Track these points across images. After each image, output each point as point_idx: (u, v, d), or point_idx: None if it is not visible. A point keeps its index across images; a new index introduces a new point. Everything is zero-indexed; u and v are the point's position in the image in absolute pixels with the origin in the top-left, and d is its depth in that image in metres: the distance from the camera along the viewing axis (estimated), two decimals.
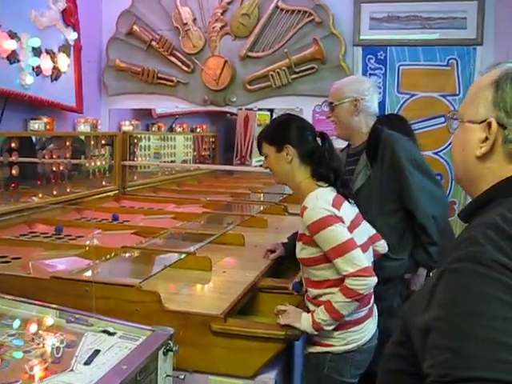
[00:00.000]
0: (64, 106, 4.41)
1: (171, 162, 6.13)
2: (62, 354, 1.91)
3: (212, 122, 7.14)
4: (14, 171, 3.80)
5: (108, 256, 3.05)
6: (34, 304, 2.27)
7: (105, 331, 2.11)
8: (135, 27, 4.87)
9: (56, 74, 4.24)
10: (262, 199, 5.45)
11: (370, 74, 4.56)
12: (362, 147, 2.85)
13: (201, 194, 5.32)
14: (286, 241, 3.14)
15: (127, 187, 5.06)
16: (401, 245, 2.85)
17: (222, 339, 2.31)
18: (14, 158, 3.77)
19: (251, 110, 6.90)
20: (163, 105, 5.20)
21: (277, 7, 4.61)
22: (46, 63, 4.08)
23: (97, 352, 1.93)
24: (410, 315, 1.14)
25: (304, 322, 2.22)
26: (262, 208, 4.66)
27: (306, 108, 4.75)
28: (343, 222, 2.20)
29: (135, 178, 5.28)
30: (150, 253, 3.21)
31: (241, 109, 6.93)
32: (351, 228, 2.23)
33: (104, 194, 4.78)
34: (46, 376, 1.74)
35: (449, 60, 4.47)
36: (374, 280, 2.16)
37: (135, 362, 1.81)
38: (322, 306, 2.19)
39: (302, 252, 2.29)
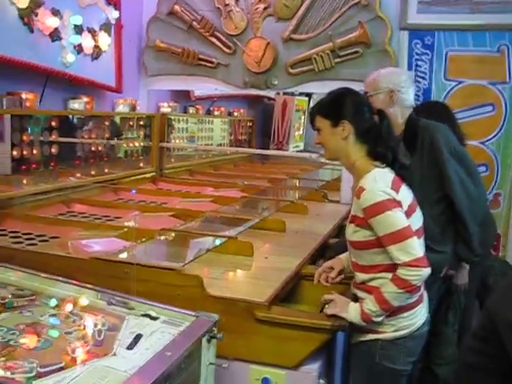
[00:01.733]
0: (104, 85, 4.37)
1: (207, 145, 6.08)
2: (104, 336, 1.88)
3: (249, 107, 7.11)
4: (53, 150, 3.79)
5: (147, 238, 3.02)
6: (73, 284, 2.25)
7: (146, 315, 2.07)
8: (176, 7, 4.79)
9: (97, 53, 4.20)
10: (300, 185, 5.38)
11: (416, 60, 4.40)
12: (399, 138, 2.74)
13: (238, 179, 5.29)
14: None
15: (164, 169, 5.04)
16: (444, 237, 2.77)
17: (265, 327, 2.26)
18: (54, 137, 3.76)
19: (290, 94, 6.86)
20: (203, 86, 5.14)
21: None
22: (87, 42, 4.04)
23: (139, 336, 1.89)
24: (500, 309, 1.06)
25: (352, 312, 2.15)
26: (301, 194, 4.59)
27: None
28: (401, 207, 2.11)
29: (172, 160, 5.26)
30: (190, 236, 3.16)
31: (279, 93, 6.89)
32: (408, 213, 2.15)
33: (141, 176, 4.77)
34: (89, 359, 1.70)
35: (499, 46, 4.28)
36: (428, 271, 2.07)
37: (179, 349, 1.76)
38: (372, 296, 2.12)
39: (355, 235, 2.21)
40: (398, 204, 2.11)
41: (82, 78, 4.04)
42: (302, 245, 3.22)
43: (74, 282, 2.26)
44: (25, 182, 3.61)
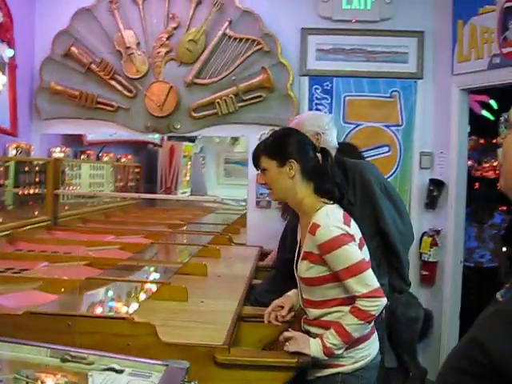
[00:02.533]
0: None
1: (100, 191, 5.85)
2: None
3: (134, 153, 6.94)
4: None
5: (71, 289, 2.79)
6: (11, 342, 2.00)
7: (110, 369, 1.89)
8: (73, 48, 4.60)
9: None
10: (201, 230, 5.30)
11: (317, 104, 4.60)
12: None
13: (133, 225, 5.13)
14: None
15: (59, 218, 4.75)
16: (380, 270, 2.84)
17: (228, 371, 2.17)
18: None
19: (176, 139, 6.82)
20: (101, 131, 4.93)
21: (224, 34, 4.54)
22: None
23: None
24: (495, 340, 1.09)
25: (314, 347, 2.12)
26: (207, 239, 4.51)
27: (252, 136, 4.68)
28: (355, 241, 2.15)
29: (66, 207, 4.97)
30: (119, 284, 2.98)
31: (163, 138, 6.85)
32: (360, 247, 2.19)
33: (36, 225, 4.44)
34: None
35: (392, 92, 4.60)
36: (385, 300, 2.12)
37: None
38: (332, 330, 2.10)
39: (308, 271, 2.20)
40: (352, 238, 2.15)
41: None
42: (230, 287, 3.17)
43: (12, 339, 2.02)
44: None
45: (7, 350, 1.97)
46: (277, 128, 4.45)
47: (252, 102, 4.57)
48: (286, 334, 2.25)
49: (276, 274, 3.26)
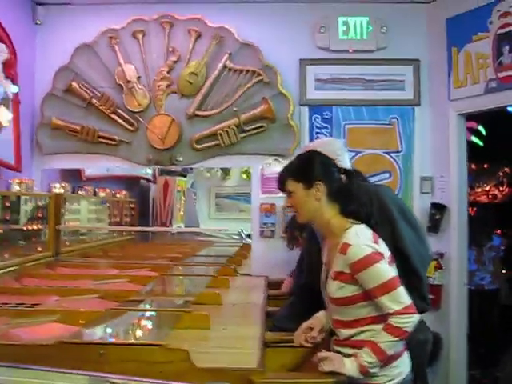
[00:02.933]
0: (4, 163, 4.04)
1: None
2: None
3: (128, 188, 6.95)
4: None
5: (91, 320, 2.75)
6: (44, 370, 1.97)
7: None
8: (74, 84, 4.62)
9: None
10: (205, 262, 5.27)
11: (317, 133, 4.66)
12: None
13: (136, 259, 5.07)
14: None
15: (60, 253, 4.70)
16: None
17: None
18: None
19: (174, 173, 6.87)
20: (103, 165, 4.94)
21: (225, 67, 4.61)
22: None
23: None
24: None
25: (349, 366, 2.12)
26: (213, 270, 4.49)
27: (255, 166, 4.73)
28: (384, 258, 2.17)
29: (67, 243, 4.93)
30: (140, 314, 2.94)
31: (155, 174, 6.89)
32: (389, 264, 2.21)
33: (39, 261, 4.39)
34: None
35: (391, 119, 4.70)
36: (418, 317, 2.14)
37: None
38: (366, 348, 2.10)
39: (340, 291, 2.20)
40: (382, 256, 2.17)
41: None
42: (247, 315, 3.17)
43: (46, 368, 1.99)
44: None
45: (40, 378, 1.94)
46: (279, 158, 4.61)
47: (254, 132, 4.62)
48: (321, 354, 2.24)
49: (294, 300, 3.25)
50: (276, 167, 4.62)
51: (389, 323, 2.09)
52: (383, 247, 2.22)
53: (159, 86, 4.64)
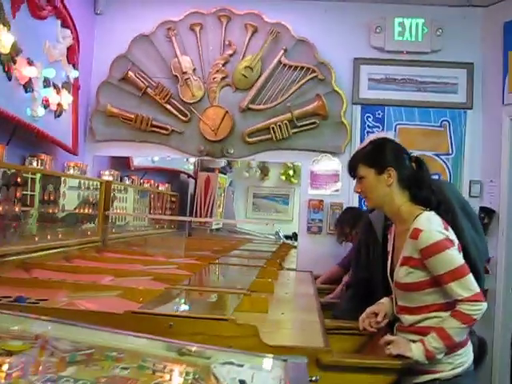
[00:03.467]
0: (64, 145, 4.12)
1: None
2: None
3: (169, 182, 7.02)
4: (17, 208, 3.46)
5: (151, 297, 2.79)
6: (128, 335, 2.00)
7: (229, 363, 1.89)
8: (130, 73, 4.72)
9: (59, 111, 3.98)
10: (248, 255, 5.29)
11: (368, 132, 4.68)
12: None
13: (180, 250, 5.10)
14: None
15: (107, 240, 4.76)
16: None
17: (331, 373, 2.14)
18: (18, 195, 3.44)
19: (214, 170, 6.91)
20: (155, 154, 5.01)
21: (280, 62, 4.67)
22: (53, 97, 3.82)
23: (243, 382, 1.71)
24: None
25: (415, 351, 2.12)
26: (260, 262, 4.51)
27: (305, 162, 4.75)
28: (455, 246, 2.17)
29: (113, 230, 4.99)
30: (199, 293, 2.98)
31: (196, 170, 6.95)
32: (459, 251, 2.20)
33: (88, 245, 4.46)
34: None
35: (442, 121, 4.70)
36: (486, 305, 2.12)
37: None
38: (434, 333, 2.10)
39: (408, 276, 2.21)
40: (453, 243, 2.17)
41: (47, 134, 3.78)
42: (302, 303, 3.19)
43: (125, 332, 2.02)
44: None
45: (128, 342, 1.97)
46: (330, 155, 4.64)
47: (306, 128, 4.66)
48: (387, 337, 2.26)
49: (354, 293, 3.26)
50: (325, 164, 4.66)
51: (457, 309, 2.09)
52: (453, 235, 2.23)
53: (214, 79, 4.71)
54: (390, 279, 2.37)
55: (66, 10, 4.00)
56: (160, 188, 6.58)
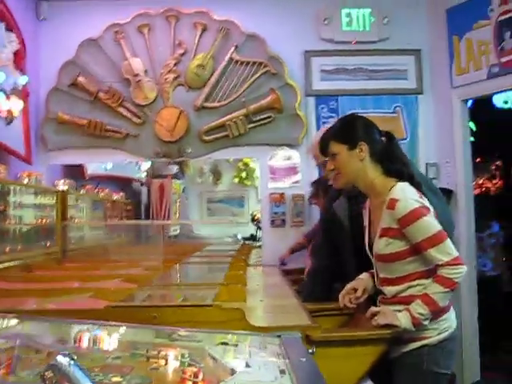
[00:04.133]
0: (16, 153, 3.98)
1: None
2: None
3: (122, 190, 6.92)
4: None
5: (127, 296, 2.72)
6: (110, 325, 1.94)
7: (224, 343, 1.86)
8: (80, 78, 4.61)
9: (10, 118, 3.85)
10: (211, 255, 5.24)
11: (324, 123, 4.71)
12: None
13: (142, 256, 5.00)
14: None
15: (67, 250, 4.63)
16: None
17: (322, 349, 2.12)
18: None
19: (167, 176, 6.85)
20: (110, 159, 4.92)
21: (231, 59, 4.65)
22: (3, 103, 3.69)
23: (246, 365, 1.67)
24: None
25: (402, 319, 2.16)
26: (226, 260, 4.47)
27: (263, 157, 4.74)
28: (431, 212, 2.21)
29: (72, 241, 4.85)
30: (172, 289, 2.91)
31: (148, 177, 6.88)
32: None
33: (47, 256, 4.32)
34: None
35: (395, 107, 4.79)
36: (466, 268, 2.17)
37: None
38: (419, 301, 2.15)
39: (388, 247, 2.24)
40: (429, 210, 2.21)
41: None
42: (276, 291, 3.19)
43: (112, 323, 1.96)
44: None
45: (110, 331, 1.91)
46: (286, 148, 4.65)
47: (262, 122, 4.66)
48: (373, 309, 2.29)
49: (319, 279, 3.23)
50: (283, 156, 4.67)
51: (439, 274, 2.13)
52: (427, 202, 2.26)
53: (166, 79, 4.66)
54: (369, 253, 2.39)
55: (8, 12, 3.88)
56: (114, 197, 6.47)
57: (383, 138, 2.39)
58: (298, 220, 4.66)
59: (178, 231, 7.42)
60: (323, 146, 2.41)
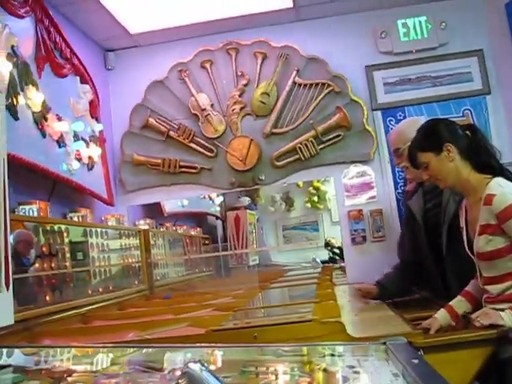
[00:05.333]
0: (101, 197, 4.16)
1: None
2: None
3: (199, 226, 7.03)
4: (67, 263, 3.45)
5: (221, 321, 2.76)
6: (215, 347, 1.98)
7: (331, 355, 1.86)
8: (151, 119, 4.79)
9: (91, 164, 4.03)
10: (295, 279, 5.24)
11: None
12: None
13: (227, 287, 5.05)
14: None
15: (154, 287, 4.74)
16: None
17: (426, 356, 2.08)
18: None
19: (240, 208, 6.93)
20: (187, 194, 5.04)
21: (294, 83, 4.72)
22: (84, 151, 3.88)
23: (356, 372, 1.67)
24: None
25: (506, 317, 2.12)
26: (312, 281, 4.47)
27: (337, 176, 4.74)
28: None
29: (158, 278, 4.98)
30: (269, 310, 2.95)
31: (226, 210, 6.96)
32: None
33: (137, 294, 4.44)
34: None
35: (464, 111, 4.70)
36: None
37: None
38: None
39: (489, 244, 2.20)
40: None
41: (85, 187, 3.83)
42: (370, 305, 3.15)
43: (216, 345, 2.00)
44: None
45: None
46: (359, 164, 4.64)
47: (332, 142, 4.68)
48: (475, 313, 2.24)
49: (403, 273, 3.25)
50: (357, 173, 4.67)
51: None
52: None
53: (233, 110, 4.76)
54: (469, 253, 2.35)
55: (83, 66, 4.10)
56: (192, 232, 6.59)
57: (467, 132, 2.37)
58: (378, 235, 4.61)
59: (257, 261, 7.47)
60: (412, 160, 2.43)
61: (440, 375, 1.41)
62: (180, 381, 1.03)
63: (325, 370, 1.70)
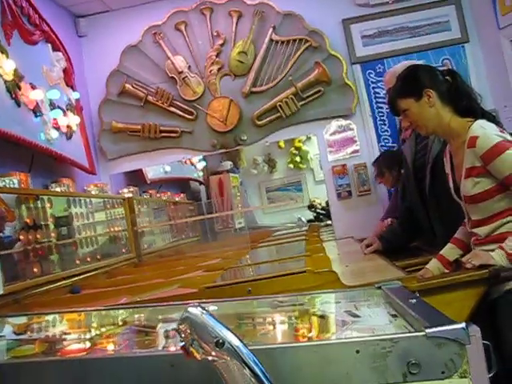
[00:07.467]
0: (82, 166, 4.09)
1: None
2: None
3: (182, 192, 6.99)
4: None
5: (212, 280, 2.75)
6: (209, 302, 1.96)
7: (325, 302, 1.86)
8: (127, 85, 4.70)
9: (70, 133, 3.95)
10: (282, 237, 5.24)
11: (373, 88, 4.67)
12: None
13: (218, 249, 5.04)
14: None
15: (141, 255, 4.71)
16: None
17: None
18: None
19: (223, 172, 6.88)
20: (169, 159, 4.97)
21: (271, 40, 4.66)
22: (62, 119, 3.79)
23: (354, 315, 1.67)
24: None
25: (497, 257, 2.12)
26: (300, 238, 4.47)
27: (319, 132, 4.72)
28: None
29: (145, 246, 4.94)
30: (260, 266, 2.94)
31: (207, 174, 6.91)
32: None
33: (125, 262, 4.41)
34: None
35: (443, 60, 4.67)
36: None
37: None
38: (511, 237, 2.09)
39: (476, 187, 2.19)
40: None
41: (65, 156, 3.75)
42: (361, 256, 3.14)
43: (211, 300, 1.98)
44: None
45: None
46: (341, 119, 4.61)
47: (312, 98, 4.63)
48: (466, 256, 2.26)
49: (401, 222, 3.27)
50: (339, 128, 4.64)
51: None
52: (510, 137, 2.20)
53: (211, 71, 4.69)
54: (456, 197, 2.35)
55: (53, 33, 3.98)
56: (176, 198, 6.55)
57: (447, 78, 2.34)
58: (364, 189, 4.62)
59: (243, 224, 7.47)
60: (392, 107, 2.40)
61: (439, 311, 1.40)
62: (181, 326, 0.99)
63: (322, 317, 1.70)
